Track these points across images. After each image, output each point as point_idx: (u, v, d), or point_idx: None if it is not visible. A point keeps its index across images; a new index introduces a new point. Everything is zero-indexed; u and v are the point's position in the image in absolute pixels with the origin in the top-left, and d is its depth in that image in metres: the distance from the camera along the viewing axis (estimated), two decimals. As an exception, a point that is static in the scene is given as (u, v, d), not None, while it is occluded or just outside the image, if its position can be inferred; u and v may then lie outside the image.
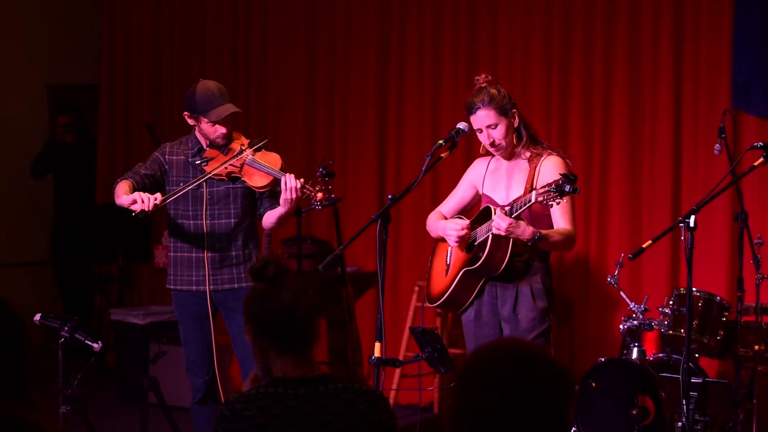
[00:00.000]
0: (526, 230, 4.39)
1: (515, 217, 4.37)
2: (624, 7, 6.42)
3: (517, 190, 4.59)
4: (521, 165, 4.62)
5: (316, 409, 2.73)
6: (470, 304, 4.68)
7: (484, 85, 4.63)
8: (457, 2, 7.07)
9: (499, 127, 4.60)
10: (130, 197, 4.82)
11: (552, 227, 4.56)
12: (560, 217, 4.53)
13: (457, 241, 4.65)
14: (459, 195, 4.88)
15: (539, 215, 4.53)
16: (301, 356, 2.81)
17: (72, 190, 8.67)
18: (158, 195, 4.84)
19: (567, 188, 4.15)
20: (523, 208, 4.37)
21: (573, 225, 4.56)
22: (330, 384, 2.78)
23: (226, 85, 5.13)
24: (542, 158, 4.57)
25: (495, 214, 4.43)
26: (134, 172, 5.07)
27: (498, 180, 4.70)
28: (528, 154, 4.61)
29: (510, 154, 4.68)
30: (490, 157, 4.77)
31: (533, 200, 4.30)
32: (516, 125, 4.62)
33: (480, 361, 2.12)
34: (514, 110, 4.61)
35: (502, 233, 4.39)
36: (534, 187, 4.47)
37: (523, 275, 4.55)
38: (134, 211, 4.80)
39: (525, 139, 4.63)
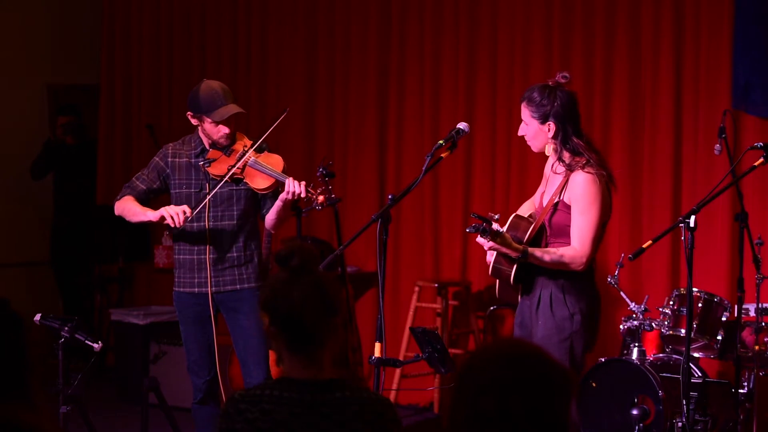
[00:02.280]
0: (510, 250, 4.38)
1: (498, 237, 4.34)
2: (624, 7, 6.43)
3: (545, 199, 4.56)
4: (557, 177, 4.55)
5: (319, 418, 2.67)
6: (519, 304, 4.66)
7: (552, 83, 4.51)
8: (457, 2, 7.07)
9: (528, 127, 4.52)
10: (157, 213, 4.90)
11: None
12: (573, 236, 4.43)
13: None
14: (542, 186, 4.80)
15: (563, 226, 4.48)
16: (311, 358, 2.72)
17: (72, 191, 8.67)
18: (186, 208, 4.89)
19: (479, 228, 4.23)
20: (494, 229, 4.38)
21: (585, 244, 4.39)
22: (338, 392, 2.70)
23: (226, 84, 5.13)
24: (572, 173, 4.45)
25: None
26: (132, 187, 5.09)
27: (547, 184, 4.63)
28: (562, 168, 4.53)
29: (551, 160, 4.62)
30: None
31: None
32: (550, 136, 4.48)
33: (479, 362, 2.12)
34: (551, 122, 4.46)
35: (486, 248, 4.42)
36: (561, 198, 4.45)
37: (546, 282, 4.51)
38: (170, 228, 4.90)
39: (558, 154, 4.49)
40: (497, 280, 4.63)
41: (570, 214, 4.44)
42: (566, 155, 4.46)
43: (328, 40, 7.63)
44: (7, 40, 8.77)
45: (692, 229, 4.56)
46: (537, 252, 4.39)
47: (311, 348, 2.72)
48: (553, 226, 4.47)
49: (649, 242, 4.70)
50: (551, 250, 4.42)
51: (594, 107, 6.52)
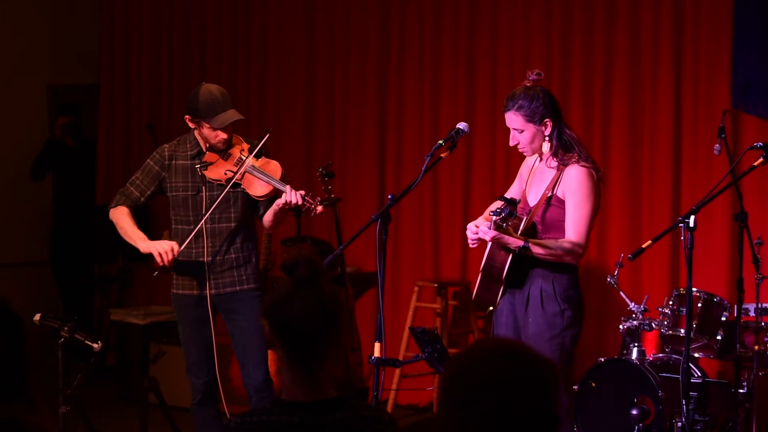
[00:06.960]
0: (512, 240, 4.39)
1: (499, 225, 4.34)
2: (624, 7, 6.43)
3: (536, 196, 4.57)
4: (549, 171, 4.58)
5: None
6: (498, 304, 4.64)
7: (529, 84, 4.55)
8: (457, 2, 7.07)
9: (525, 133, 4.53)
10: (146, 247, 4.90)
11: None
12: (569, 228, 4.47)
13: (472, 245, 4.59)
14: (515, 188, 4.79)
15: (555, 221, 4.49)
16: (311, 375, 2.66)
17: (72, 191, 8.67)
18: (174, 245, 4.88)
19: (504, 212, 4.22)
20: (493, 221, 4.36)
21: (581, 236, 4.45)
22: (338, 412, 2.64)
23: (225, 86, 5.10)
24: (567, 167, 4.50)
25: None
26: (126, 194, 5.06)
27: (533, 180, 4.66)
28: (555, 162, 4.55)
29: (543, 157, 4.62)
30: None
31: (493, 219, 4.34)
32: (547, 133, 4.53)
33: (473, 363, 2.10)
34: (547, 120, 4.51)
35: (488, 240, 4.42)
36: (554, 192, 4.47)
37: (535, 279, 4.51)
38: (156, 269, 4.88)
39: (551, 149, 4.52)
40: (479, 279, 4.62)
41: (563, 209, 4.46)
42: (560, 151, 4.50)
43: (328, 40, 7.63)
44: (7, 40, 8.77)
45: (692, 229, 4.56)
46: (537, 243, 4.41)
47: (311, 363, 2.66)
48: (546, 221, 4.50)
49: (649, 242, 4.70)
50: (550, 241, 4.45)
51: (594, 107, 6.53)
